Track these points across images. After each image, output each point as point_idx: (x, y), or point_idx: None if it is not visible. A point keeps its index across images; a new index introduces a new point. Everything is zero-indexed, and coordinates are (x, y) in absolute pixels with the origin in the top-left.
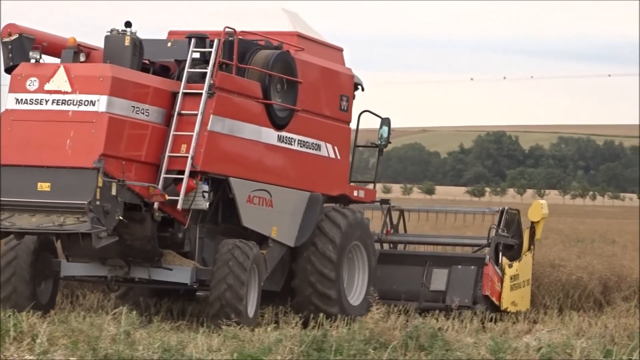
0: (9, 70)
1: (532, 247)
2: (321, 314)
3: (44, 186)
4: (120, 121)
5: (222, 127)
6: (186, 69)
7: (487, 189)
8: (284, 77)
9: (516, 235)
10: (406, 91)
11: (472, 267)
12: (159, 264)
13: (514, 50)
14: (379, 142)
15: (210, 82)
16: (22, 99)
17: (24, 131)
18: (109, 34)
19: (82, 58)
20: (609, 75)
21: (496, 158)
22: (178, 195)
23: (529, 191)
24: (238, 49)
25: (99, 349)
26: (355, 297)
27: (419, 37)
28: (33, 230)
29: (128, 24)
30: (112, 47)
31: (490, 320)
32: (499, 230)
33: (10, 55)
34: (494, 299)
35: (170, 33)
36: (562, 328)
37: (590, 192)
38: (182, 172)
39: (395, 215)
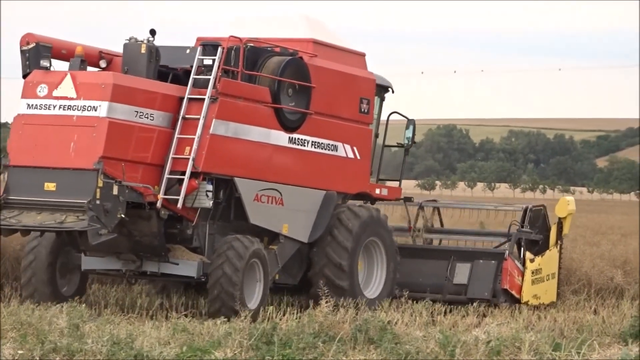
0: (26, 76)
1: (559, 242)
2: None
3: (50, 186)
4: (121, 125)
5: (226, 130)
6: (192, 75)
7: (438, 182)
8: (295, 82)
9: (542, 231)
10: None
11: (493, 261)
12: (166, 258)
13: (465, 43)
14: (405, 142)
15: (212, 88)
16: (32, 104)
17: (34, 134)
18: (127, 42)
19: (103, 64)
20: (559, 69)
21: (447, 151)
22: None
23: (480, 185)
24: (250, 56)
25: (47, 342)
26: (372, 291)
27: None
28: (36, 228)
29: (153, 32)
30: (129, 54)
31: (440, 314)
32: (522, 227)
33: (28, 62)
34: (513, 292)
35: (198, 39)
36: (511, 322)
37: (541, 186)
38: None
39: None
